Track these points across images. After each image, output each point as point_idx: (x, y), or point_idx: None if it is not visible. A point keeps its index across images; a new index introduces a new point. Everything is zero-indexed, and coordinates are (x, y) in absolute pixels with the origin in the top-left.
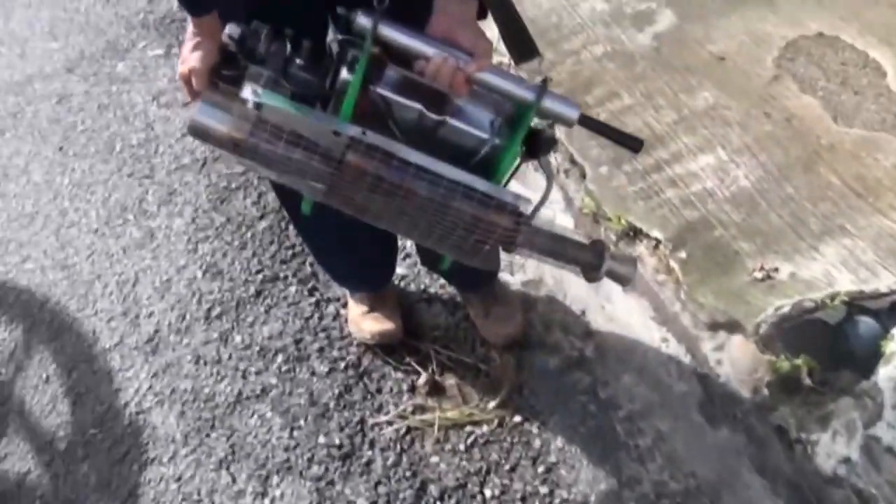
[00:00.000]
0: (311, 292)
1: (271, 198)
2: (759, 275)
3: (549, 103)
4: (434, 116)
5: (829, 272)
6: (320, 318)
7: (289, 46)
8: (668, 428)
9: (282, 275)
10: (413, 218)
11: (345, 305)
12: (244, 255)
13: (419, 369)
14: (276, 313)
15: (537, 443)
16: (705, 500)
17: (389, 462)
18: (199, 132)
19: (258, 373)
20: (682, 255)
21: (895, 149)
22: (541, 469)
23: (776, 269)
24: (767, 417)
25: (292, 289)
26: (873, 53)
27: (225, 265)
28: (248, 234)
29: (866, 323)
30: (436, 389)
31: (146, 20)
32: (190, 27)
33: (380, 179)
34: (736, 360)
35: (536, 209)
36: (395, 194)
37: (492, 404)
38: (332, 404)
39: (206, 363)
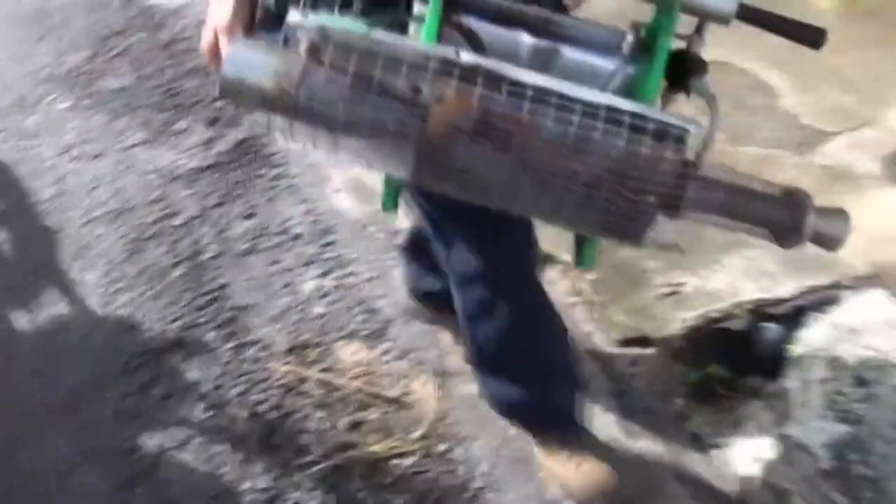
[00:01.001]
0: (229, 337)
1: (186, 244)
2: (666, 290)
3: None
4: (544, 44)
5: (732, 283)
6: (241, 362)
7: None
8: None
9: (199, 321)
10: (538, 176)
11: (264, 348)
12: (160, 305)
13: (341, 407)
14: (195, 361)
15: (462, 470)
16: None
17: (317, 503)
18: (232, 89)
19: (179, 423)
20: (592, 276)
21: (791, 164)
22: (468, 495)
23: (682, 284)
24: (684, 426)
25: (210, 335)
26: (766, 76)
27: (140, 316)
28: (163, 284)
29: (770, 329)
30: (359, 425)
31: (53, 74)
32: None
33: (488, 117)
34: (650, 374)
35: (707, 146)
36: (511, 140)
37: (416, 435)
38: (255, 448)
39: (127, 417)
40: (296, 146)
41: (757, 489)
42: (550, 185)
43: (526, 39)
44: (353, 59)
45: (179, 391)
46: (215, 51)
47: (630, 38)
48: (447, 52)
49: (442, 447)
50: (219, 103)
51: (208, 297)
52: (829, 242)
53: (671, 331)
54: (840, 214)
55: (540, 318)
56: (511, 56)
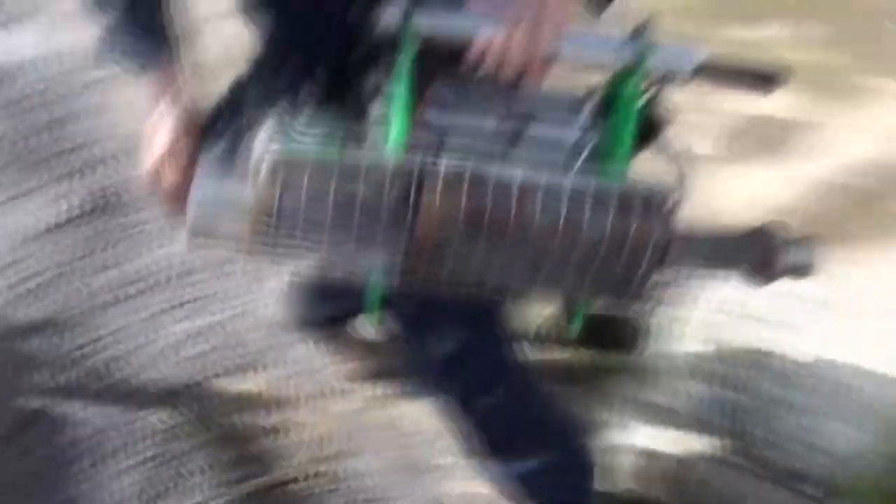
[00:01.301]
0: (102, 392)
1: (47, 304)
2: None
3: (662, 56)
4: (508, 127)
5: None
6: (118, 413)
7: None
8: None
9: (70, 379)
10: (534, 257)
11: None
12: (25, 371)
13: (223, 444)
14: (69, 421)
15: (350, 485)
16: None
17: None
18: (202, 227)
19: (56, 486)
20: None
21: None
22: None
23: None
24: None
25: (83, 392)
26: None
27: (4, 386)
28: (27, 348)
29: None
30: (243, 460)
31: None
32: (150, 98)
33: (477, 214)
34: None
35: (678, 202)
36: (502, 230)
37: (300, 460)
38: (136, 500)
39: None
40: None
41: (628, 457)
42: (545, 266)
43: (489, 124)
44: (332, 180)
45: (57, 453)
46: (161, 180)
47: (589, 105)
48: (426, 160)
49: (326, 467)
50: (70, 157)
51: (77, 355)
52: (801, 272)
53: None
54: (807, 242)
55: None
56: (478, 144)
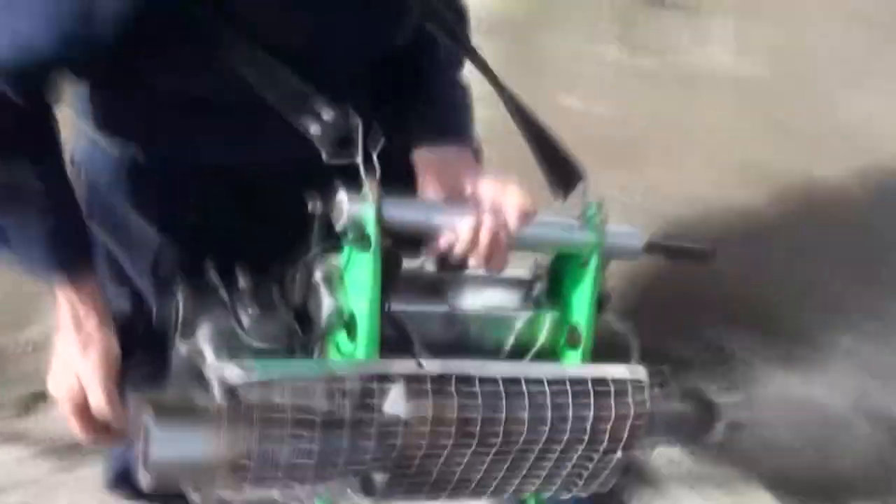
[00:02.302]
0: None
1: None
2: None
3: (611, 238)
4: (463, 311)
5: None
6: None
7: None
8: None
9: None
10: (518, 457)
11: None
12: None
13: None
14: None
15: None
16: None
17: None
18: (166, 475)
19: None
20: None
21: None
22: None
23: None
24: None
25: None
26: None
27: None
28: None
29: None
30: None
31: None
32: (63, 313)
33: (467, 423)
34: None
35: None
36: (493, 433)
37: None
38: None
39: None
40: None
41: None
42: (525, 464)
43: (441, 310)
44: (308, 400)
45: None
46: (84, 412)
47: (539, 285)
48: (409, 366)
49: None
50: None
51: None
52: (736, 431)
53: None
54: (735, 391)
55: None
56: (435, 330)
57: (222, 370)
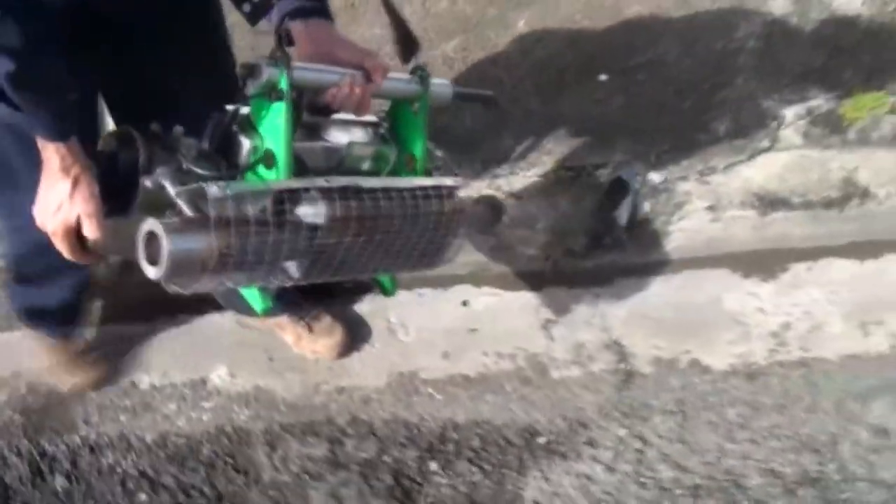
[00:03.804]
0: None
1: None
2: None
3: (434, 89)
4: (337, 145)
5: None
6: None
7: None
8: None
9: None
10: (390, 245)
11: None
12: None
13: None
14: None
15: None
16: None
17: None
18: (181, 265)
19: None
20: None
21: None
22: None
23: None
24: None
25: None
26: None
27: None
28: None
29: None
30: None
31: None
32: (53, 163)
33: (362, 220)
34: None
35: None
36: (377, 229)
37: None
38: None
39: None
40: None
41: None
42: (395, 249)
43: (319, 145)
44: (269, 210)
45: None
46: (72, 235)
47: (385, 125)
48: (321, 182)
49: None
50: None
51: None
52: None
53: None
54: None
55: None
56: (320, 160)
57: (205, 189)
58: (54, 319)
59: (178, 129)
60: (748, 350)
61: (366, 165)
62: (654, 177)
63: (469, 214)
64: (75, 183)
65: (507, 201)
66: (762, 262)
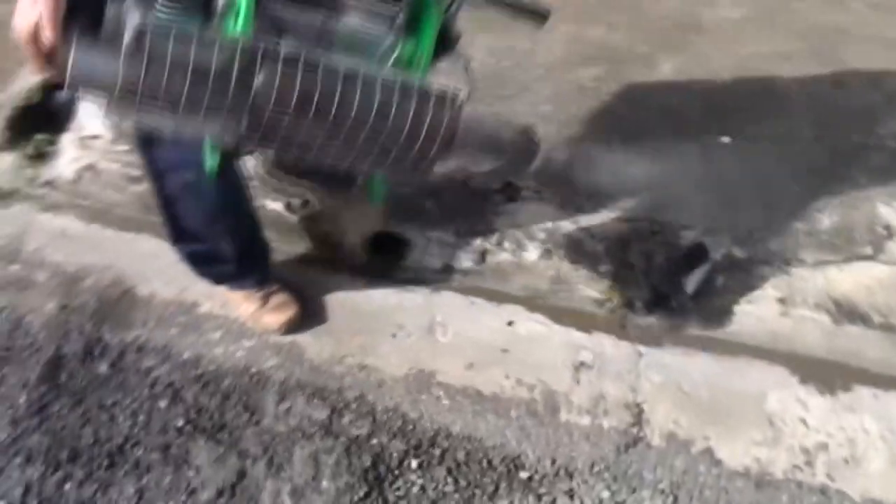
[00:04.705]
0: None
1: None
2: None
3: None
4: (332, 22)
5: None
6: None
7: None
8: None
9: None
10: (350, 135)
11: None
12: None
13: None
14: None
15: None
16: None
17: None
18: (81, 78)
19: None
20: None
21: None
22: None
23: None
24: None
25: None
26: None
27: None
28: None
29: None
30: None
31: None
32: None
33: (308, 94)
34: None
35: (463, 101)
36: (327, 109)
37: None
38: None
39: None
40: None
41: None
42: (359, 142)
43: (316, 22)
44: (190, 51)
45: None
46: (33, 40)
47: (401, 17)
48: (270, 41)
49: None
50: None
51: None
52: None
53: None
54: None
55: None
56: (309, 33)
57: (133, 13)
58: (234, 272)
59: None
60: (770, 457)
61: (362, 52)
62: (738, 252)
63: (476, 135)
64: None
65: (582, 238)
66: (825, 373)
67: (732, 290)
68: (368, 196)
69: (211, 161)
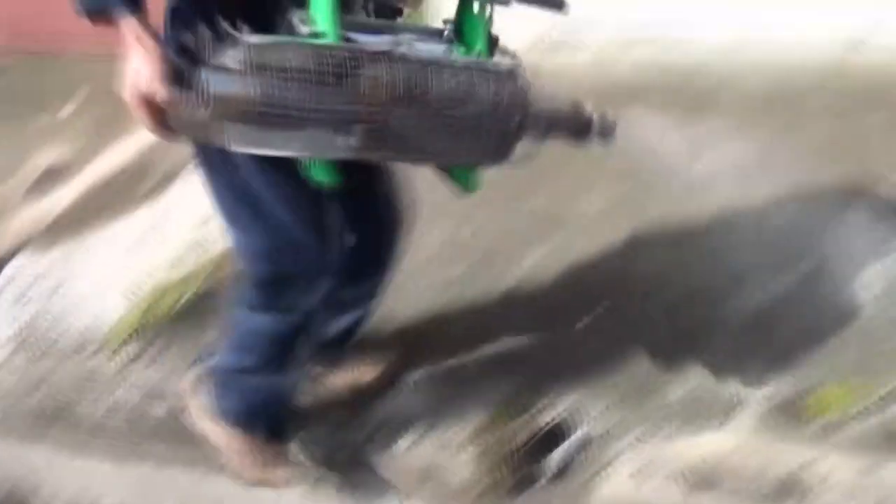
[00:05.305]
0: None
1: None
2: None
3: None
4: (402, 51)
5: None
6: None
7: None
8: None
9: None
10: (445, 125)
11: None
12: None
13: None
14: None
15: None
16: None
17: None
18: (221, 101)
19: None
20: None
21: None
22: None
23: None
24: None
25: None
26: None
27: None
28: None
29: None
30: None
31: None
32: (129, 38)
33: (409, 85)
34: None
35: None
36: (426, 99)
37: None
38: None
39: None
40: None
41: None
42: (453, 129)
43: (385, 40)
44: (310, 61)
45: None
46: (144, 99)
47: (449, 28)
48: (361, 46)
49: None
50: None
51: None
52: (607, 131)
53: None
54: (606, 112)
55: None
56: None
57: (246, 38)
58: (274, 417)
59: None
60: None
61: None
62: (596, 428)
63: (543, 114)
64: (147, 52)
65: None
66: None
67: (589, 469)
68: (465, 188)
69: (329, 176)
